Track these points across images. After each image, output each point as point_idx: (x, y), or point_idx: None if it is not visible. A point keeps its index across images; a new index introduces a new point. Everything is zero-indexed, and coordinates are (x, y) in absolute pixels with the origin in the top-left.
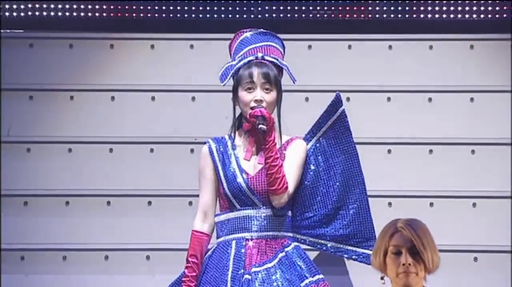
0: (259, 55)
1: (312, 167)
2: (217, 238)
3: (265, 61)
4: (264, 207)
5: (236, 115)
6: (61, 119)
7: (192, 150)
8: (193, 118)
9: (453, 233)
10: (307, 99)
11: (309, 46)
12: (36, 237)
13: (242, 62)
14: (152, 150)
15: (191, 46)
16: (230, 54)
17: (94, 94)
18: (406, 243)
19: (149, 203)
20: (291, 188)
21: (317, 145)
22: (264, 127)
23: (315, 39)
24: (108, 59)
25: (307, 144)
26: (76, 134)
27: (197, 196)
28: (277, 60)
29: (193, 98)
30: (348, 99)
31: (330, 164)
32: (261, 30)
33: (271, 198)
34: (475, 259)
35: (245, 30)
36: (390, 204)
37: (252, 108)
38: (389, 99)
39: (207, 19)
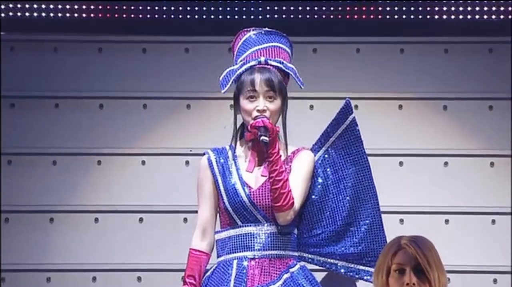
0: (262, 59)
1: (320, 180)
2: (218, 257)
3: (269, 66)
4: (268, 223)
5: (238, 124)
6: (46, 128)
7: (187, 162)
8: (188, 127)
9: (471, 253)
10: (311, 107)
11: (314, 50)
12: (18, 257)
13: (243, 68)
14: (143, 162)
15: (186, 50)
16: (233, 55)
17: (81, 102)
18: (410, 261)
19: (141, 219)
20: (297, 204)
21: (326, 156)
22: (267, 139)
23: (321, 41)
24: (97, 64)
25: (314, 155)
26: (61, 145)
27: (193, 212)
28: (282, 64)
29: (188, 106)
30: (356, 106)
31: (340, 176)
32: (266, 29)
33: (276, 215)
34: (495, 280)
35: (248, 29)
36: (401, 221)
37: (254, 118)
38: (400, 107)
39: (204, 20)
